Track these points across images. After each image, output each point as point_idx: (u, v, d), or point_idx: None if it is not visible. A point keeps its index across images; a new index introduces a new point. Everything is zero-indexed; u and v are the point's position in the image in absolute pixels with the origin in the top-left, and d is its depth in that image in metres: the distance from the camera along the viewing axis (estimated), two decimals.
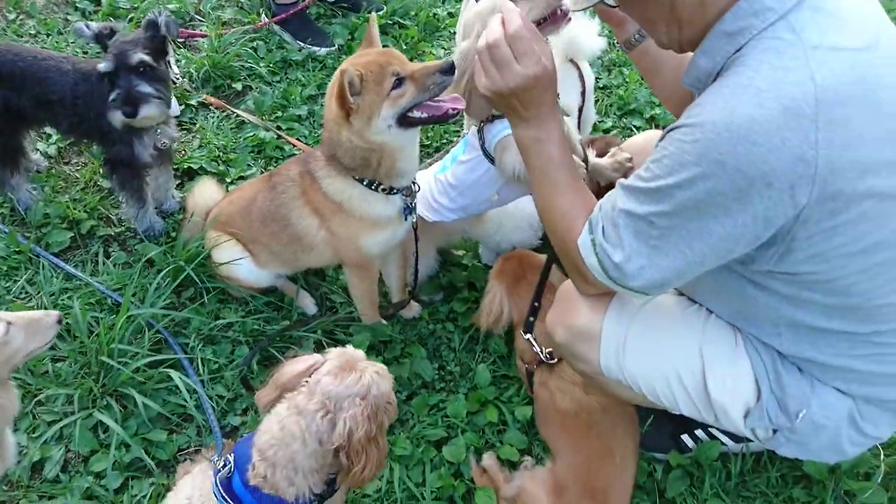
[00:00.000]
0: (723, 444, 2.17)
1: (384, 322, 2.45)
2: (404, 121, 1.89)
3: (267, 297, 2.45)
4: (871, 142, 1.34)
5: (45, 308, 2.30)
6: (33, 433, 2.05)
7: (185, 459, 2.02)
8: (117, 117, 2.22)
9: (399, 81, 1.85)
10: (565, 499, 1.96)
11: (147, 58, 2.21)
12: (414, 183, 2.13)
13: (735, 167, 1.33)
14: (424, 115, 1.89)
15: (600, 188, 2.35)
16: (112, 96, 2.20)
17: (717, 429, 2.17)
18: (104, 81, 2.25)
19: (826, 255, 1.44)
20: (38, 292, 2.38)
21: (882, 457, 2.15)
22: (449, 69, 1.84)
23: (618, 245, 1.54)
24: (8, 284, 2.40)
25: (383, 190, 2.05)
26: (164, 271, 2.27)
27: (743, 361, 1.74)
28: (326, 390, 1.51)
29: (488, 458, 2.11)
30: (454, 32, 3.81)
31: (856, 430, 1.73)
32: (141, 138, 2.39)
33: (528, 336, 2.17)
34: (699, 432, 2.19)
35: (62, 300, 2.34)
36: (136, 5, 3.61)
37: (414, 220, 2.19)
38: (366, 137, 1.91)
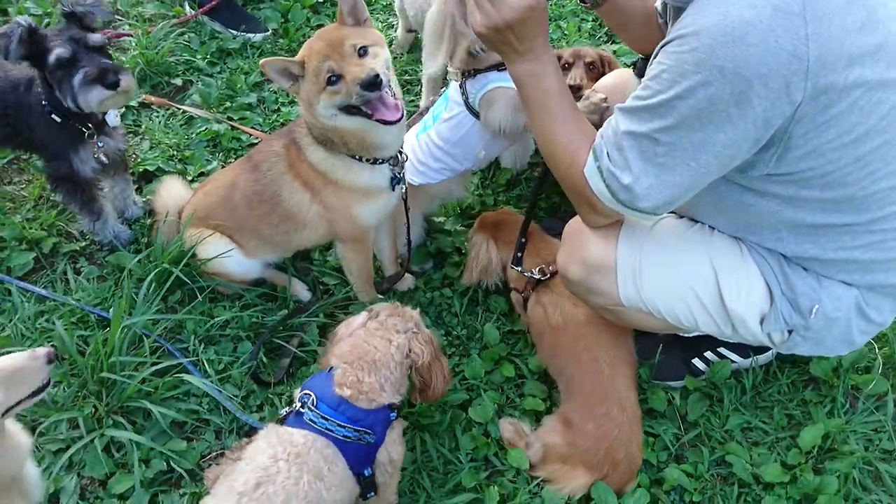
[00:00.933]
0: (732, 361, 2.25)
1: (381, 297, 2.40)
2: (349, 110, 1.84)
3: (259, 290, 2.36)
4: (853, 33, 1.40)
5: (23, 336, 2.15)
6: (40, 465, 1.91)
7: (211, 465, 1.94)
8: (95, 96, 2.07)
9: (336, 77, 1.80)
10: (574, 430, 1.99)
11: (105, 38, 2.10)
12: (400, 153, 2.09)
13: (734, 70, 1.36)
14: (368, 111, 1.83)
15: None
16: (80, 76, 2.04)
17: (726, 347, 2.25)
18: (39, 86, 2.15)
19: (821, 149, 1.50)
20: (10, 321, 2.21)
21: (877, 349, 2.28)
22: (368, 85, 1.75)
23: (625, 167, 1.56)
24: None
25: (367, 160, 2.00)
26: (150, 276, 2.14)
27: (752, 269, 1.80)
28: (393, 323, 1.78)
29: (506, 429, 2.10)
30: (386, 6, 3.76)
31: (863, 319, 1.82)
32: (77, 152, 2.24)
33: (518, 268, 2.21)
34: (709, 354, 2.26)
35: (39, 324, 2.18)
36: (48, 10, 3.38)
37: (403, 190, 2.15)
38: (317, 117, 1.88)
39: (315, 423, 1.62)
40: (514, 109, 2.13)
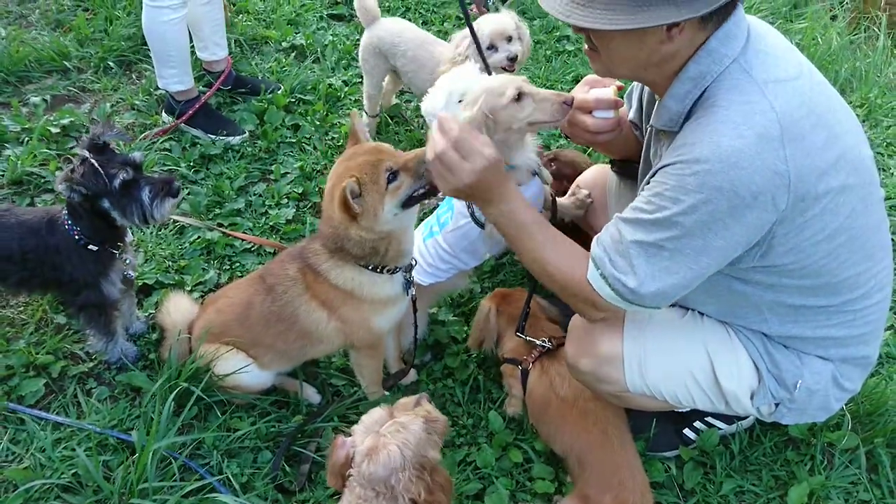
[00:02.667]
0: (719, 428, 2.45)
1: (387, 394, 2.51)
2: (406, 203, 2.01)
3: (271, 397, 2.44)
4: (820, 150, 1.66)
5: (43, 466, 2.16)
6: None
7: None
8: (168, 205, 2.28)
9: (394, 175, 1.97)
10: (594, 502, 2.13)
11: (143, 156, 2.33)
12: (413, 259, 2.25)
13: (730, 190, 1.60)
14: (422, 190, 2.02)
15: (564, 224, 2.59)
16: (149, 192, 2.24)
17: (712, 416, 2.45)
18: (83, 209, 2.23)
19: (799, 246, 1.75)
20: (27, 451, 2.22)
21: (845, 407, 2.51)
22: None
23: (630, 272, 1.76)
24: None
25: (388, 271, 2.15)
26: (170, 398, 2.20)
27: (740, 351, 2.02)
28: (371, 478, 1.63)
29: None
30: (354, 101, 3.96)
31: (839, 388, 2.05)
32: (107, 276, 2.32)
33: (523, 335, 2.40)
34: (698, 423, 2.45)
35: (59, 453, 2.20)
36: (25, 126, 3.43)
37: (413, 293, 2.30)
38: (375, 230, 2.01)
39: None
40: None
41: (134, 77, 3.96)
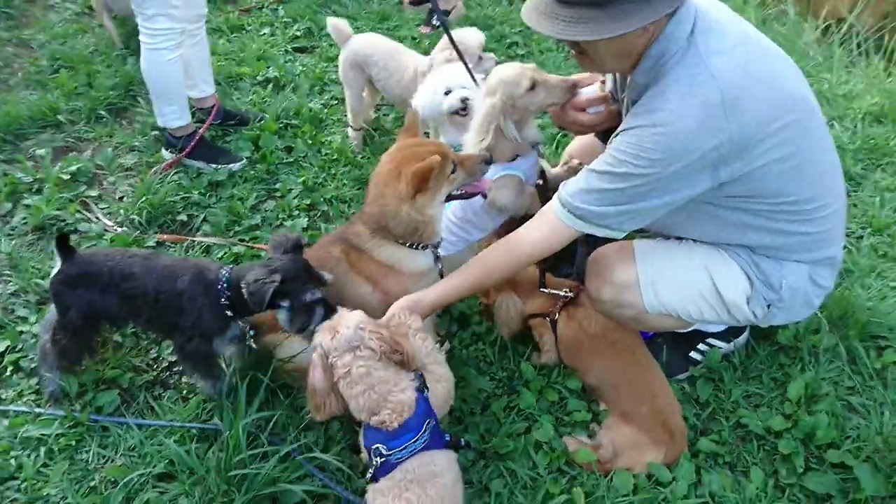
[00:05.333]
0: (720, 347, 2.82)
1: None
2: (448, 197, 2.36)
3: None
4: (759, 103, 2.04)
5: (135, 462, 2.37)
6: None
7: None
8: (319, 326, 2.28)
9: (454, 168, 2.33)
10: (632, 417, 2.47)
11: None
12: (440, 237, 2.56)
13: (682, 149, 2.02)
14: (462, 191, 2.40)
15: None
16: (318, 315, 2.31)
17: (712, 337, 2.82)
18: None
19: (753, 178, 2.13)
20: (116, 452, 2.42)
21: (820, 313, 2.91)
22: (489, 161, 2.40)
23: (597, 203, 2.15)
24: (82, 456, 2.41)
25: (423, 247, 2.45)
26: (244, 383, 2.41)
27: (732, 264, 2.40)
28: (345, 341, 2.03)
29: (570, 443, 2.51)
30: (336, 120, 4.27)
31: (815, 286, 2.44)
32: (223, 335, 2.44)
33: (546, 290, 2.76)
34: (701, 346, 2.82)
35: (148, 448, 2.40)
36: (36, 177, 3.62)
37: (441, 266, 2.60)
38: (424, 212, 2.33)
39: (403, 456, 1.98)
40: (517, 194, 2.67)
41: (125, 123, 4.19)
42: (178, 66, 3.54)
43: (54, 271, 2.48)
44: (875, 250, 3.40)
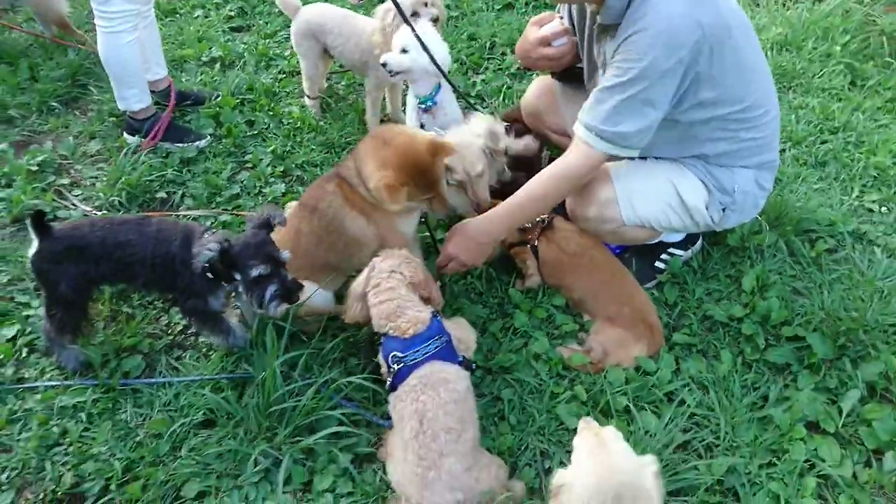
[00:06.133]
0: (680, 255, 3.18)
1: None
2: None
3: (334, 323, 2.86)
4: (720, 7, 2.37)
5: (177, 414, 2.52)
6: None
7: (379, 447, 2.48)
8: (277, 308, 2.47)
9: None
10: (616, 319, 2.80)
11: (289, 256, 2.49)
12: None
13: (675, 44, 2.31)
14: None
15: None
16: (272, 293, 2.44)
17: (672, 247, 3.17)
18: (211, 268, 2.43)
19: (717, 79, 2.46)
20: (152, 409, 2.56)
21: (759, 217, 3.31)
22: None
23: (619, 122, 2.43)
24: (120, 417, 2.54)
25: None
26: (269, 328, 2.58)
27: (690, 174, 2.76)
28: (388, 265, 2.40)
29: (563, 352, 2.80)
30: (289, 93, 4.40)
31: (760, 188, 2.83)
32: (215, 294, 2.57)
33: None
34: (663, 256, 3.17)
35: (183, 401, 2.55)
36: (3, 171, 3.61)
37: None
38: (385, 204, 2.56)
39: (418, 359, 2.24)
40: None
41: (78, 113, 4.18)
42: (135, 48, 3.58)
43: (32, 250, 2.52)
44: (797, 160, 3.86)
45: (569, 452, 2.44)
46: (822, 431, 2.56)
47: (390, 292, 2.33)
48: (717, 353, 2.84)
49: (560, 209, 3.03)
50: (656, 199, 2.73)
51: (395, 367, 2.25)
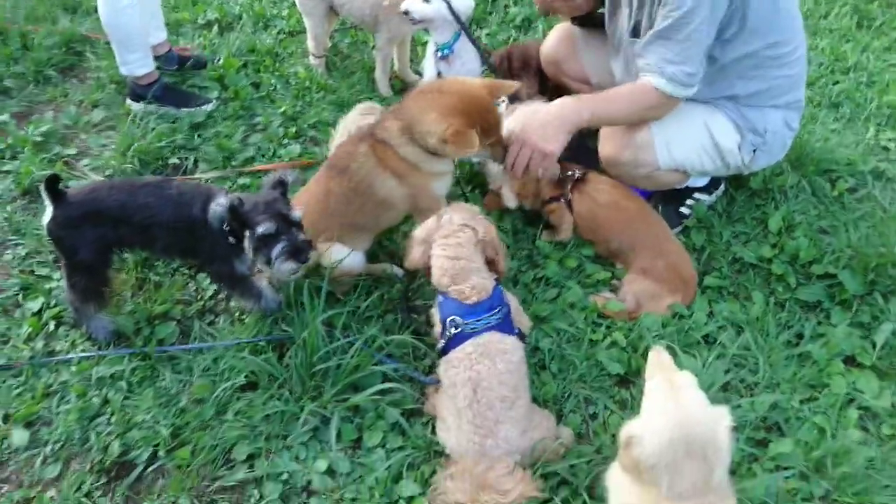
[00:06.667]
0: (704, 200, 3.18)
1: None
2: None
3: (365, 282, 2.83)
4: None
5: (218, 377, 2.50)
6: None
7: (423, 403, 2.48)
8: (287, 268, 2.38)
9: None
10: (650, 271, 2.79)
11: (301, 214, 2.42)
12: None
13: None
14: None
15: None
16: (279, 250, 2.35)
17: (697, 192, 3.17)
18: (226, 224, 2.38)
19: (752, 10, 2.43)
20: (191, 375, 2.53)
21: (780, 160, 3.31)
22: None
23: (682, 63, 2.42)
24: (159, 384, 2.50)
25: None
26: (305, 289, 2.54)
27: (721, 117, 2.74)
28: (459, 218, 2.31)
29: (596, 299, 2.80)
30: (291, 53, 4.29)
31: (788, 129, 2.82)
32: (240, 257, 2.50)
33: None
34: (688, 201, 3.17)
35: (222, 365, 2.52)
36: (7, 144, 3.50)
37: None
38: (445, 152, 2.52)
39: (478, 329, 2.21)
40: None
41: (76, 81, 4.05)
42: (137, 11, 3.46)
43: (47, 216, 2.45)
44: (811, 101, 3.86)
45: (612, 398, 2.52)
46: (859, 365, 2.60)
47: (458, 248, 2.25)
48: (749, 295, 2.86)
49: (590, 166, 3.02)
50: (692, 141, 2.71)
51: (452, 331, 2.22)
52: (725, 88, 2.68)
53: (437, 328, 2.33)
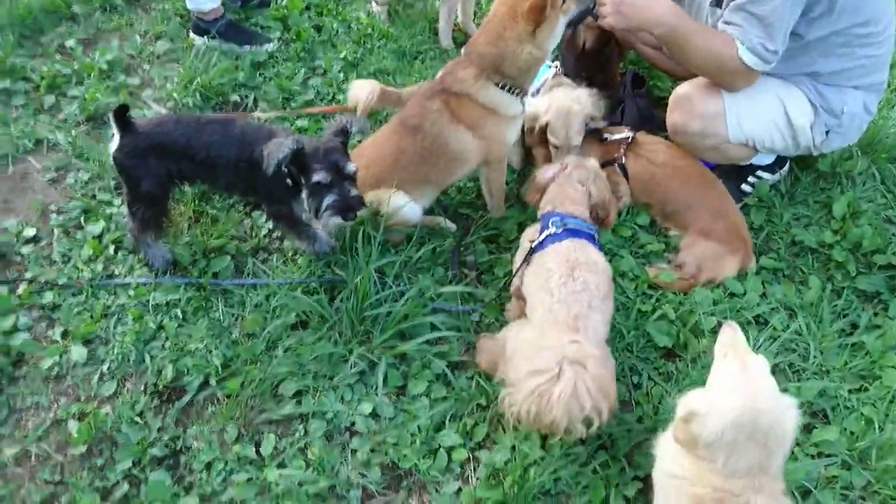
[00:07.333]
0: (767, 179, 3.10)
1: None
2: (568, 24, 2.52)
3: (419, 233, 2.83)
4: None
5: (270, 314, 2.54)
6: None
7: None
8: (334, 223, 2.40)
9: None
10: (710, 234, 2.73)
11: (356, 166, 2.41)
12: None
13: None
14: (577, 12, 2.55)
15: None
16: (329, 202, 2.36)
17: (760, 170, 3.08)
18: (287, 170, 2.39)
19: None
20: (244, 310, 2.58)
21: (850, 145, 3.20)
22: None
23: (767, 38, 2.36)
24: (212, 315, 2.56)
25: (518, 93, 2.59)
26: (360, 236, 2.56)
27: (797, 93, 2.64)
28: (578, 174, 2.44)
29: (650, 270, 2.76)
30: None
31: (867, 112, 2.72)
32: (297, 200, 2.49)
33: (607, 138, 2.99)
34: (750, 179, 3.09)
35: (274, 303, 2.56)
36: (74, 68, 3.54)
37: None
38: (543, 47, 2.48)
39: (581, 227, 2.30)
40: None
41: (140, 11, 4.07)
42: None
43: (114, 145, 2.48)
44: (889, 85, 3.69)
45: (657, 370, 2.51)
46: None
47: (572, 194, 2.37)
48: (805, 279, 2.80)
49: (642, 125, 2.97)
50: (764, 116, 2.63)
51: (554, 229, 2.26)
52: (806, 65, 2.58)
53: (529, 239, 2.39)
